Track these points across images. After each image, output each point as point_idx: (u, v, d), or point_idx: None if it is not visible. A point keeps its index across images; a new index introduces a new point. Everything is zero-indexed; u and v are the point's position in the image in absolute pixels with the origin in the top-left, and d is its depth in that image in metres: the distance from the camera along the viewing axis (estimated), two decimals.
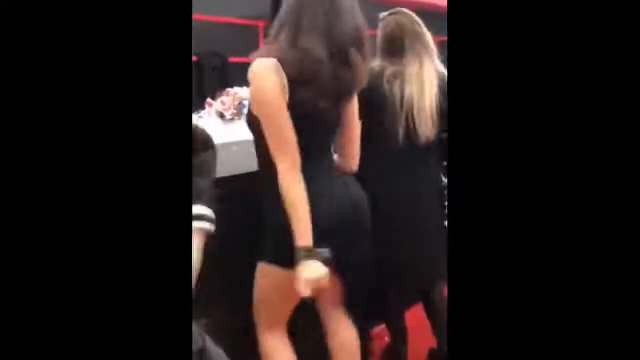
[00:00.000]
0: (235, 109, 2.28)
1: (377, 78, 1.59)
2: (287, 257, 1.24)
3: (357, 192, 1.40)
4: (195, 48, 3.57)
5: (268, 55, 1.21)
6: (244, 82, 2.70)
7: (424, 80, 1.62)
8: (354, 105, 1.40)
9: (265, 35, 1.32)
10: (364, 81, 1.33)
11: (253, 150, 1.29)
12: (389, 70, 1.63)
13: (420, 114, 1.61)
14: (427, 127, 1.62)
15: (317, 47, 1.19)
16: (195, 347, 1.03)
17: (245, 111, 2.27)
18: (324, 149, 1.37)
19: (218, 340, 1.45)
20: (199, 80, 4.02)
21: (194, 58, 3.91)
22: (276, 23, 1.27)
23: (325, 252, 1.23)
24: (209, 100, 2.43)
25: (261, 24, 4.38)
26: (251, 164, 1.32)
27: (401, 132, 1.61)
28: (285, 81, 1.19)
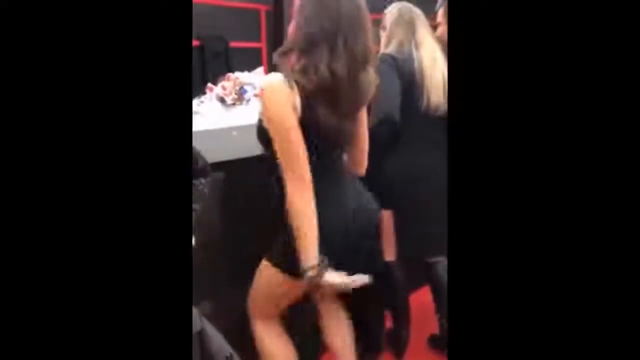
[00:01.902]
0: (236, 93, 2.26)
1: (407, 53, 1.69)
2: (292, 266, 1.25)
3: (367, 203, 1.39)
4: (196, 32, 3.55)
5: (280, 71, 1.20)
6: (245, 66, 2.68)
7: (436, 52, 1.73)
8: (363, 115, 1.40)
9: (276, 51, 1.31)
10: (373, 92, 1.33)
11: (252, 135, 1.27)
12: (412, 43, 1.72)
13: (433, 84, 1.69)
14: (436, 97, 1.69)
15: (330, 62, 1.18)
16: (194, 329, 1.04)
17: (247, 96, 2.26)
18: (337, 163, 1.36)
19: (218, 323, 1.46)
20: (200, 65, 3.99)
21: (196, 42, 3.88)
22: (287, 38, 1.27)
23: (325, 259, 1.23)
24: (209, 85, 2.41)
25: (263, 8, 4.34)
26: (250, 149, 1.31)
27: (425, 100, 1.69)
28: (297, 97, 1.18)
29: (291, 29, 1.26)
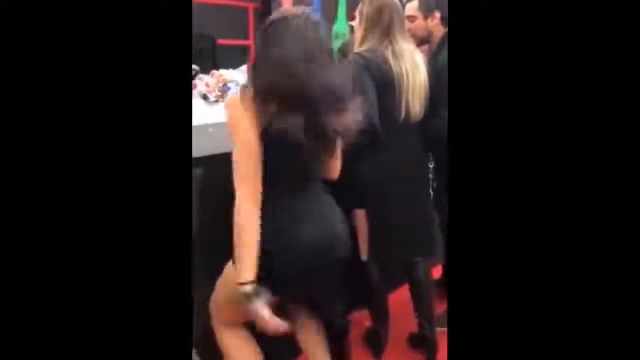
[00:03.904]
0: (219, 91, 2.26)
1: (380, 56, 1.63)
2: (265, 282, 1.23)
3: (334, 225, 1.34)
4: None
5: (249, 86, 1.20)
6: (233, 64, 2.67)
7: (416, 58, 1.68)
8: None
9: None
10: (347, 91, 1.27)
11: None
12: (389, 49, 1.65)
13: (414, 91, 1.66)
14: (418, 104, 1.68)
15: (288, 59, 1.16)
16: None
17: (230, 93, 2.26)
18: (308, 180, 1.33)
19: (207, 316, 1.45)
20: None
21: None
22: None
23: (264, 292, 1.21)
24: (193, 82, 2.41)
25: (251, 6, 4.33)
26: (227, 145, 1.31)
27: (403, 109, 1.66)
28: (261, 111, 1.17)
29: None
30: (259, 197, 1.20)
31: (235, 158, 1.20)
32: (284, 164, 1.24)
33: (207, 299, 1.44)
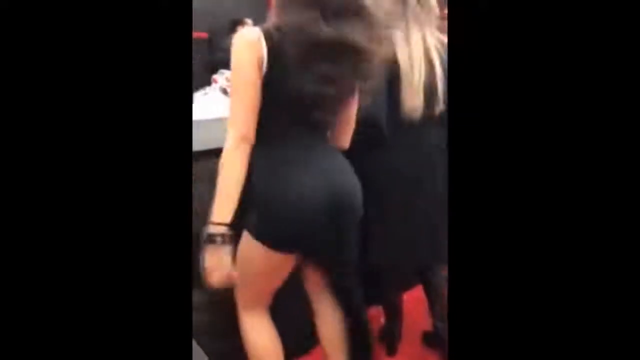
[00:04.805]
0: None
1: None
2: (271, 236, 1.22)
3: (347, 179, 1.29)
4: (205, 23, 3.54)
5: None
6: None
7: (413, 52, 1.51)
8: (354, 84, 1.28)
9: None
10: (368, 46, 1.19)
11: None
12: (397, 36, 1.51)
13: (407, 86, 1.50)
14: (415, 101, 1.52)
15: (306, 19, 1.12)
16: None
17: None
18: (316, 130, 1.28)
19: (209, 313, 1.47)
20: (209, 56, 4.00)
21: (204, 35, 3.89)
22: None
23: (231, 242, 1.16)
24: (214, 76, 2.44)
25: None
26: None
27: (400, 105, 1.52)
28: (264, 54, 1.15)
29: None
30: (250, 141, 1.18)
31: (231, 100, 1.18)
32: (287, 115, 1.20)
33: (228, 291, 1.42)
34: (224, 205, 1.15)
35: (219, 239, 1.14)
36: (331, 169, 1.27)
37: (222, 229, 1.14)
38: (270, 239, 1.23)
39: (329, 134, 1.35)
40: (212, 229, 1.14)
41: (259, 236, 1.25)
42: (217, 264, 1.16)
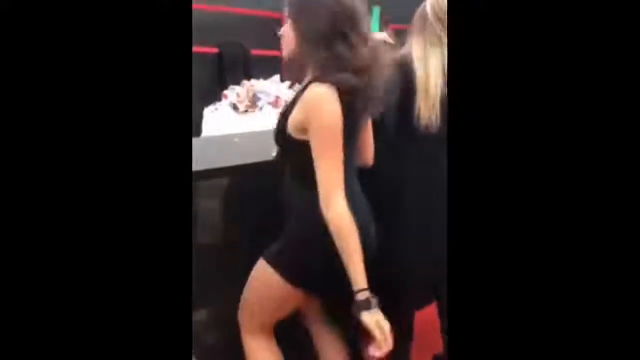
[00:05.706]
0: (250, 101, 2.28)
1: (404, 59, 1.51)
2: (299, 276, 1.23)
3: (372, 222, 1.34)
4: (216, 40, 3.58)
5: (322, 82, 1.18)
6: (266, 74, 2.69)
7: (429, 64, 1.51)
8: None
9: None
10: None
11: (254, 142, 1.27)
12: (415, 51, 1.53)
13: (425, 98, 1.50)
14: (431, 113, 1.50)
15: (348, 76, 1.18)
16: None
17: (260, 104, 2.27)
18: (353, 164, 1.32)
19: (215, 333, 1.45)
20: (218, 73, 4.02)
21: (214, 50, 3.91)
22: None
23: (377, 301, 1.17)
24: (224, 92, 2.44)
25: (284, 16, 4.37)
26: (252, 155, 1.31)
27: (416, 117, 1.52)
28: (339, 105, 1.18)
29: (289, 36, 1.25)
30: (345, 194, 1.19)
31: (327, 156, 1.17)
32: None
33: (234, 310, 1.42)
34: (360, 270, 1.16)
35: (373, 303, 1.15)
36: (362, 211, 1.28)
37: (368, 294, 1.15)
38: (297, 278, 1.24)
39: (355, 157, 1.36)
40: (362, 296, 1.15)
41: (284, 273, 1.25)
42: (377, 327, 1.16)
